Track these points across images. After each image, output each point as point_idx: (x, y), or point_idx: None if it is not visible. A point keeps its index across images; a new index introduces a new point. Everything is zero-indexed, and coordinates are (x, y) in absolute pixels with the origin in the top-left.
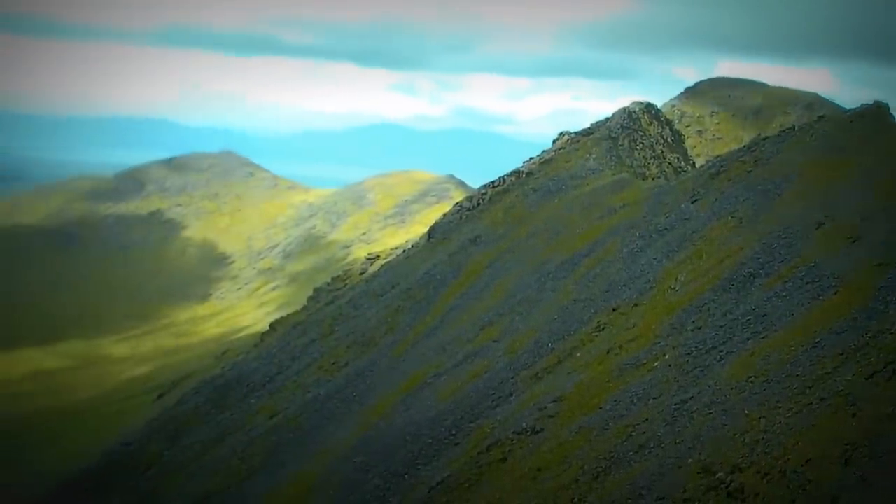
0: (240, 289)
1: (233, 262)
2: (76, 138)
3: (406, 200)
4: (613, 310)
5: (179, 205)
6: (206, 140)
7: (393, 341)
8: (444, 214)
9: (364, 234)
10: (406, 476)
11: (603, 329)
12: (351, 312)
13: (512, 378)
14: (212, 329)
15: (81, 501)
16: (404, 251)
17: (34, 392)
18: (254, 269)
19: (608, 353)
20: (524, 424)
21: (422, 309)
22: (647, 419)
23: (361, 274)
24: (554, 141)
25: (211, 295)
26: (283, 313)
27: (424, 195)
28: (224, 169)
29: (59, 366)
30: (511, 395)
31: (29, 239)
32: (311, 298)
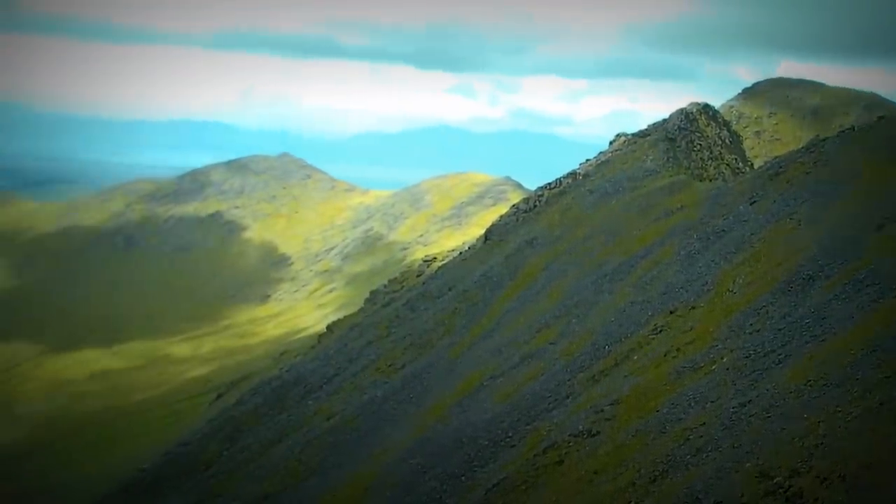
0: (297, 291)
1: (291, 263)
2: (136, 141)
3: (463, 202)
4: (671, 312)
5: (238, 207)
6: (263, 143)
7: (449, 343)
8: (501, 216)
9: (421, 236)
10: (462, 478)
11: (660, 332)
12: (408, 314)
13: (568, 380)
14: (271, 330)
15: (141, 501)
16: (461, 253)
17: (96, 392)
18: (311, 270)
19: (665, 355)
20: (581, 427)
21: (478, 311)
22: (704, 423)
23: (418, 276)
24: (611, 142)
25: (270, 296)
26: (342, 315)
27: (481, 197)
28: (282, 171)
29: (120, 366)
30: (567, 397)
31: (90, 241)
32: (367, 300)
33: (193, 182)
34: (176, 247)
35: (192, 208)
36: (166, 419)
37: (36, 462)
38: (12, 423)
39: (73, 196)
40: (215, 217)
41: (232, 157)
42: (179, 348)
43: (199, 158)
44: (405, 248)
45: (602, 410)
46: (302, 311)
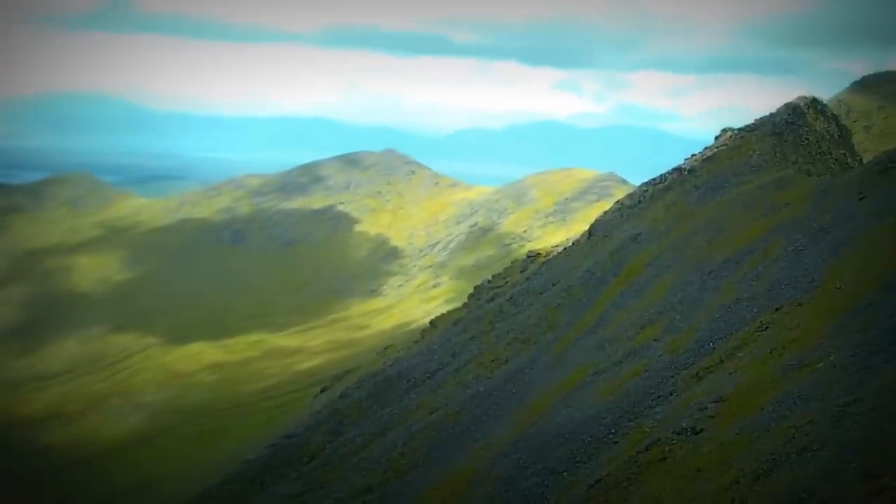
0: (401, 286)
1: (400, 258)
2: (245, 138)
3: (567, 198)
4: (776, 309)
5: (343, 202)
6: (367, 139)
7: (552, 339)
8: (605, 212)
9: (525, 231)
10: (564, 474)
11: (765, 329)
12: (511, 310)
13: (672, 377)
14: (380, 324)
15: (246, 491)
16: (565, 249)
17: (205, 384)
18: (416, 265)
19: (771, 353)
20: (684, 424)
21: (582, 307)
22: (810, 421)
23: (522, 271)
24: (716, 137)
25: (377, 290)
26: (448, 309)
27: (585, 193)
28: (386, 167)
29: (228, 359)
30: (671, 394)
31: (198, 236)
32: (471, 295)
33: (300, 177)
34: (282, 241)
35: (298, 203)
36: (272, 412)
37: (149, 451)
38: (127, 413)
39: (182, 192)
40: (320, 212)
41: (336, 153)
42: (287, 342)
43: (304, 155)
44: (509, 244)
45: (706, 408)
46: (408, 306)
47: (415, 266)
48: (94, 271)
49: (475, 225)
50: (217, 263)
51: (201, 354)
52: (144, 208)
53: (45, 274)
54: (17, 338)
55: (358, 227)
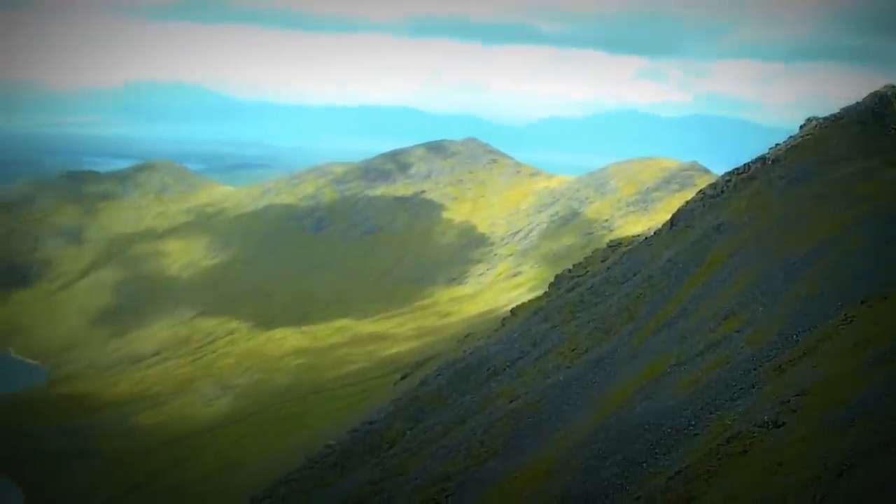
0: (482, 274)
1: (480, 246)
2: (328, 127)
3: (649, 187)
4: (861, 302)
5: (424, 191)
6: (449, 128)
7: (633, 329)
8: (688, 202)
9: (606, 220)
10: (644, 465)
11: (850, 322)
12: (592, 299)
13: (754, 370)
14: (462, 312)
15: (327, 475)
16: (646, 238)
17: (288, 369)
18: (496, 254)
19: (854, 346)
20: (766, 417)
21: (663, 297)
22: (894, 416)
23: (602, 261)
24: (801, 126)
25: (454, 279)
26: (531, 297)
27: (667, 182)
28: (468, 156)
29: (311, 345)
30: (753, 386)
31: (281, 223)
32: (552, 285)
33: (383, 165)
34: (365, 229)
35: (381, 191)
36: (354, 397)
37: (234, 434)
38: (213, 396)
39: (266, 180)
40: (405, 200)
41: (418, 141)
42: (370, 328)
43: (387, 143)
44: (590, 233)
45: (788, 401)
46: (493, 293)
47: (496, 254)
48: (182, 257)
49: (556, 214)
50: (300, 250)
51: (285, 340)
52: (229, 196)
53: (135, 259)
54: (107, 321)
55: (444, 215)
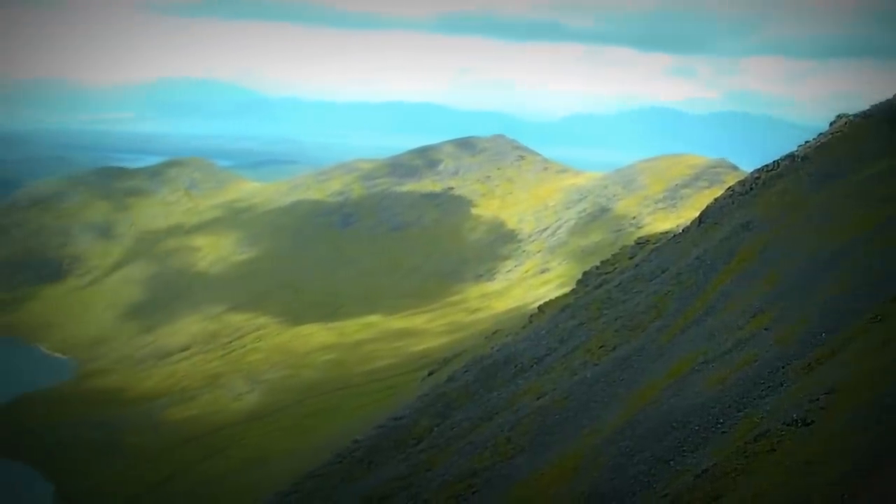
0: (510, 270)
1: (506, 243)
2: (356, 124)
3: (677, 184)
4: (892, 300)
5: (452, 187)
6: (477, 124)
7: (661, 326)
8: (716, 199)
9: (634, 218)
10: (671, 462)
11: (880, 320)
12: (619, 296)
13: (783, 368)
14: (491, 308)
15: (354, 471)
16: (674, 236)
17: (316, 365)
18: (524, 250)
19: (884, 345)
20: (794, 415)
21: (691, 294)
22: None
23: (630, 258)
24: (831, 123)
25: (482, 276)
26: (559, 294)
27: (696, 179)
28: (495, 152)
29: (339, 341)
30: (781, 385)
31: (310, 219)
32: (579, 282)
33: (411, 161)
34: (393, 225)
35: (409, 187)
36: (381, 393)
37: (262, 428)
38: (241, 390)
39: (295, 176)
40: (434, 196)
41: (446, 138)
42: (398, 324)
43: (415, 140)
44: (619, 230)
45: (817, 399)
46: (521, 289)
47: (524, 251)
48: (212, 252)
49: (584, 210)
50: (328, 246)
51: (313, 335)
52: (258, 192)
53: (165, 254)
54: (137, 316)
55: (473, 211)
